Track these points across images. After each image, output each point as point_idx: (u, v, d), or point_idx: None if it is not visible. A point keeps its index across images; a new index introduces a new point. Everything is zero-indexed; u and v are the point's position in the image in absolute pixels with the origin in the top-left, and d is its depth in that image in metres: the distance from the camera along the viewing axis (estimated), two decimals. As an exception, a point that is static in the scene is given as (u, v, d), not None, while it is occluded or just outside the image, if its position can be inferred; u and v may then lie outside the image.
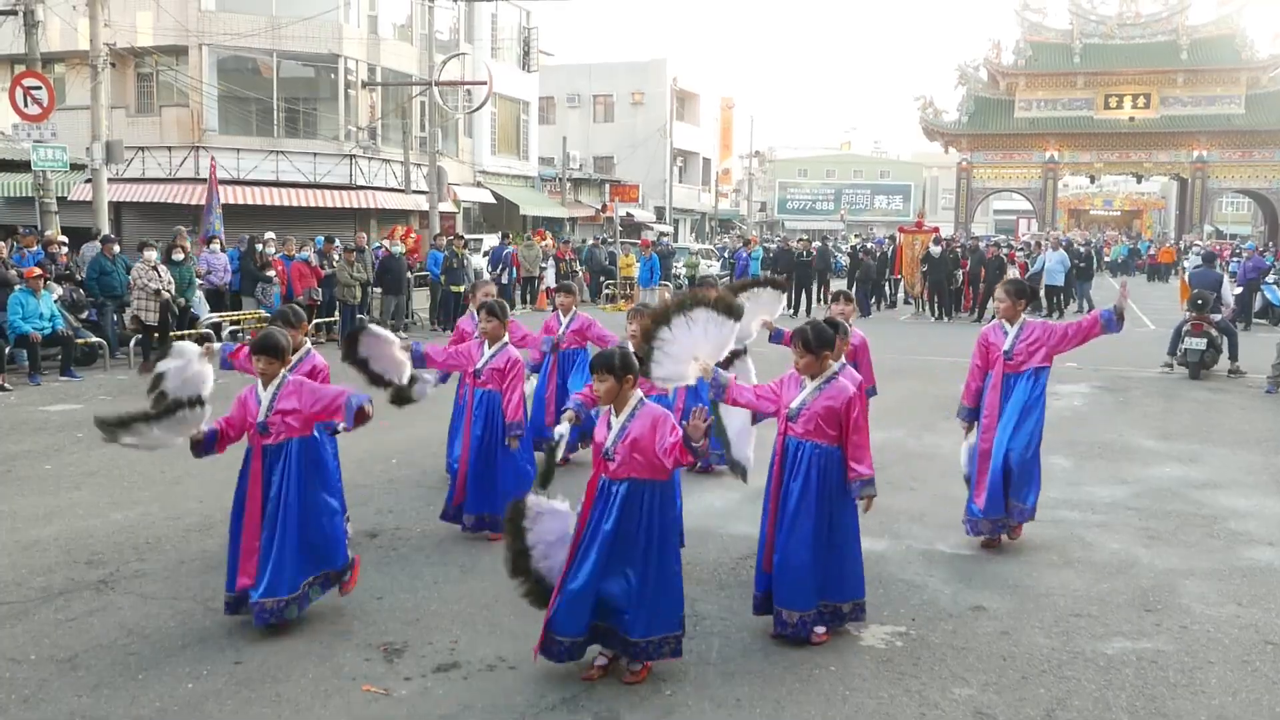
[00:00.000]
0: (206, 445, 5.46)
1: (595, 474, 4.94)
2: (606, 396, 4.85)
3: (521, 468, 7.04)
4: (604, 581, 4.80)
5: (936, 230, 29.84)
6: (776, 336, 6.99)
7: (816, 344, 5.35)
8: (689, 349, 5.11)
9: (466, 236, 29.74)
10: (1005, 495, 6.89)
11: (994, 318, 7.47)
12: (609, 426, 4.87)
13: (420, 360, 7.31)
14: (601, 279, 28.92)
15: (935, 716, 4.65)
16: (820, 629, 5.41)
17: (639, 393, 4.96)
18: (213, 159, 24.79)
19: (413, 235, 27.38)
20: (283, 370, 5.63)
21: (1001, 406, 6.95)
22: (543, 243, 28.27)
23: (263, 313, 17.04)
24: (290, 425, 5.53)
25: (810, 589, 5.32)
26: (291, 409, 5.50)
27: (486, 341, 7.19)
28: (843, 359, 5.76)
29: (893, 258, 28.55)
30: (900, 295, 29.15)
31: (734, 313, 5.17)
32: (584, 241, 32.85)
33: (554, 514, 5.04)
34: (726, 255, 32.36)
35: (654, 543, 4.83)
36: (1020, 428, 6.86)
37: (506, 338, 7.22)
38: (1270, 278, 23.95)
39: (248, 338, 6.36)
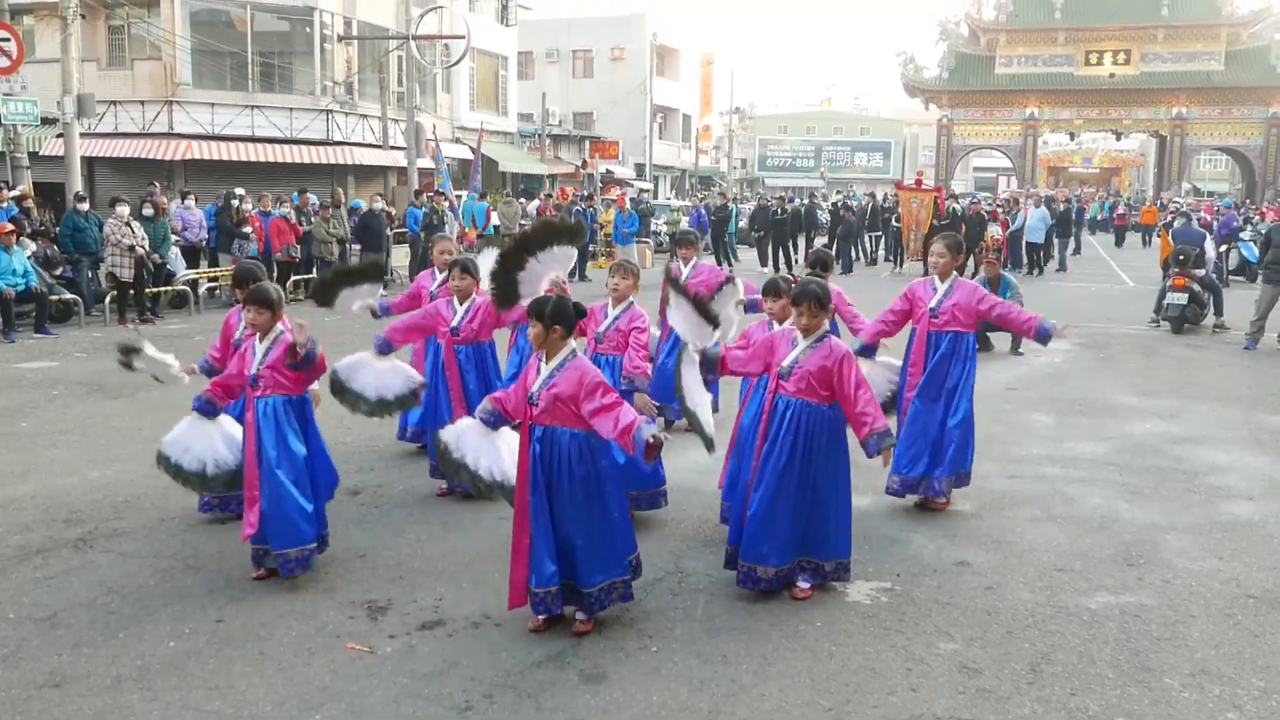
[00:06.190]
0: (205, 411, 5.77)
1: (524, 420, 4.93)
2: (535, 341, 4.87)
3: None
4: (548, 532, 4.81)
5: (939, 190, 28.81)
6: (751, 306, 6.97)
7: (824, 303, 5.34)
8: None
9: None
10: (937, 460, 6.81)
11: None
12: (537, 373, 4.88)
13: (385, 347, 6.68)
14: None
15: (921, 671, 4.66)
16: (804, 585, 5.43)
17: (573, 344, 4.94)
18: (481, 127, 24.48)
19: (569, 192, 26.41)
20: (276, 325, 5.59)
21: (926, 362, 6.83)
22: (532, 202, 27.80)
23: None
24: (280, 381, 5.50)
25: (788, 544, 5.32)
26: (275, 363, 5.50)
27: (456, 299, 7.08)
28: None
29: (896, 216, 26.91)
30: (880, 253, 28.83)
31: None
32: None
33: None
34: (704, 210, 30.15)
35: (589, 491, 4.83)
36: (958, 405, 6.76)
37: (476, 295, 7.06)
38: (1245, 234, 24.00)
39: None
